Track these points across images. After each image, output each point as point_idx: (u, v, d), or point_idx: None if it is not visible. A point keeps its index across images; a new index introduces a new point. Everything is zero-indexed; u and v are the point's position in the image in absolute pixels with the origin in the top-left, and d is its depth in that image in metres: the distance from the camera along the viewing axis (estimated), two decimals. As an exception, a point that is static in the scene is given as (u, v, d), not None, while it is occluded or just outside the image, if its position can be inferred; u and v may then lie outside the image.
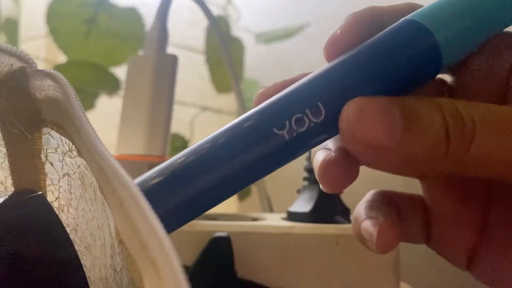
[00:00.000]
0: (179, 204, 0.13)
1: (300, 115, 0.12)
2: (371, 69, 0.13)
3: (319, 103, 0.12)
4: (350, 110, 0.12)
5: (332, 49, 0.14)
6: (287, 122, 0.13)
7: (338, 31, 0.14)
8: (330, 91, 0.13)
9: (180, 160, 0.13)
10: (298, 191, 0.28)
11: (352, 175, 0.14)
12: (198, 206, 0.13)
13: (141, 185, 0.13)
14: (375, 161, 0.12)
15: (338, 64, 0.13)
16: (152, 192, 0.13)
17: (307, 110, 0.12)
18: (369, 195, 0.16)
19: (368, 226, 0.15)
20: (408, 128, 0.11)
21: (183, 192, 0.13)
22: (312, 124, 0.12)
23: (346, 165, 0.14)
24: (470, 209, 0.15)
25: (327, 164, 0.14)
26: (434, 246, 0.16)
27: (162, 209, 0.13)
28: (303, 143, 0.13)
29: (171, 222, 0.13)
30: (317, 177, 0.14)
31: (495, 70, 0.13)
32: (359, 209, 0.16)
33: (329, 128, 0.13)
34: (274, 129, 0.13)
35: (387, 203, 0.15)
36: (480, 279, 0.15)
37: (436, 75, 0.13)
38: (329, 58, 0.14)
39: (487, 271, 0.15)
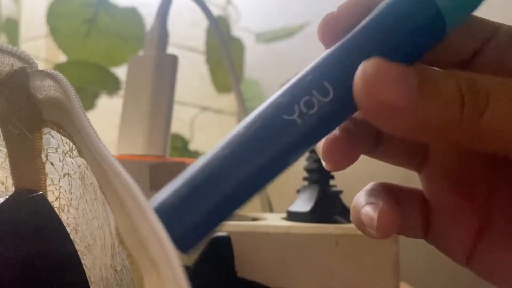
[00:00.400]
0: (207, 213, 0.12)
1: (307, 97, 0.12)
2: (375, 42, 0.13)
3: (325, 83, 0.12)
4: (367, 67, 0.11)
5: (328, 28, 0.14)
6: (295, 106, 0.12)
7: (335, 11, 0.14)
8: (335, 68, 0.13)
9: (199, 169, 0.12)
10: (298, 191, 0.28)
11: (354, 154, 0.14)
12: (225, 211, 0.12)
13: (167, 199, 0.12)
14: (386, 124, 0.12)
15: (340, 43, 0.13)
16: (181, 205, 0.12)
17: (314, 91, 0.12)
18: (368, 186, 0.16)
19: (368, 211, 0.15)
20: (424, 90, 0.11)
21: (209, 200, 0.12)
22: (322, 104, 0.12)
23: (349, 144, 0.14)
24: (471, 203, 0.15)
25: (331, 142, 0.14)
26: (433, 241, 0.16)
27: (191, 222, 0.12)
28: (317, 125, 0.13)
29: (201, 233, 0.12)
30: (320, 155, 0.14)
31: (505, 62, 0.14)
32: (359, 197, 0.16)
33: (340, 106, 0.13)
34: (284, 116, 0.12)
35: (387, 192, 0.15)
36: (480, 273, 0.15)
37: (442, 40, 0.13)
38: (324, 37, 0.14)
39: (487, 266, 0.15)
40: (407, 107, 0.11)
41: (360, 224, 0.15)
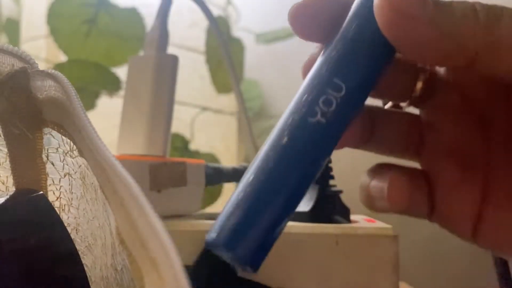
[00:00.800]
0: (267, 228, 0.13)
1: (324, 96, 0.13)
2: (365, 32, 0.13)
3: (335, 79, 0.13)
4: None
5: (297, 17, 0.14)
6: (316, 107, 0.13)
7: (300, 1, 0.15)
8: (339, 64, 0.13)
9: (247, 191, 0.13)
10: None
11: (365, 134, 0.15)
12: (280, 221, 0.13)
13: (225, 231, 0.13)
14: (405, 37, 0.12)
15: (337, 40, 0.14)
16: (243, 229, 0.13)
17: (328, 90, 0.13)
18: (371, 167, 0.17)
19: (377, 183, 0.15)
20: (439, 3, 0.12)
21: (267, 217, 0.13)
22: (339, 100, 0.13)
23: (360, 125, 0.15)
24: (472, 174, 0.15)
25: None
26: (438, 219, 0.16)
27: (256, 241, 0.13)
28: (340, 120, 0.13)
29: (267, 246, 0.13)
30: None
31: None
32: (364, 176, 0.16)
33: (354, 95, 0.13)
34: (309, 119, 0.13)
35: (391, 168, 0.16)
36: (487, 245, 0.15)
37: None
38: (295, 26, 0.15)
39: (493, 236, 0.15)
40: (423, 16, 0.12)
41: (370, 200, 0.16)
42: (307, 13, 0.14)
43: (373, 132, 0.16)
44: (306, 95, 0.13)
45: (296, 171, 0.13)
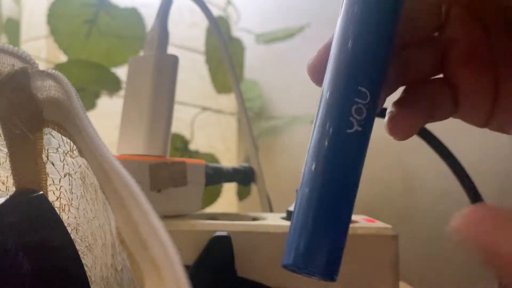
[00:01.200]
0: (335, 239, 0.14)
1: (355, 106, 0.14)
2: (368, 33, 0.14)
3: (359, 88, 0.14)
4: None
5: (315, 71, 0.17)
6: (351, 118, 0.14)
7: (314, 58, 0.17)
8: (359, 72, 0.14)
9: (307, 208, 0.14)
10: (298, 191, 0.28)
11: (412, 124, 0.17)
12: (344, 230, 0.14)
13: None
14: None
15: (345, 50, 0.15)
16: (314, 245, 0.14)
17: (356, 99, 0.14)
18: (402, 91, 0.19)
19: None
20: None
21: (332, 228, 0.14)
22: (367, 106, 0.14)
23: (404, 118, 0.17)
24: (484, 74, 0.18)
25: (391, 118, 0.17)
26: (459, 114, 0.18)
27: (329, 252, 0.14)
28: (371, 124, 0.15)
29: (339, 254, 0.14)
30: (387, 130, 0.17)
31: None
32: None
33: (377, 98, 0.15)
34: (348, 130, 0.14)
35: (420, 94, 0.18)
36: (497, 127, 0.18)
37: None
38: (316, 79, 0.17)
39: (503, 118, 0.18)
40: None
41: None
42: (318, 69, 0.17)
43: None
44: (334, 108, 0.14)
45: (348, 180, 0.14)
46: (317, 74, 0.17)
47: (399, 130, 0.17)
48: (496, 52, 0.18)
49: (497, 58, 0.18)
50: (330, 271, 0.14)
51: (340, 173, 0.14)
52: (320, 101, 0.15)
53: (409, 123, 0.17)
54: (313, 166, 0.14)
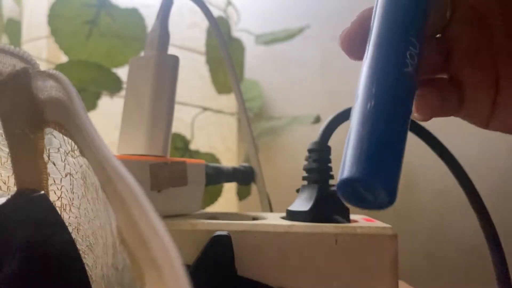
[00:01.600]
0: (396, 157, 0.15)
1: (408, 51, 0.16)
2: None
3: (411, 38, 0.17)
4: None
5: (348, 40, 0.19)
6: (406, 60, 0.16)
7: (349, 27, 0.19)
8: (409, 24, 0.17)
9: (369, 124, 0.15)
10: (298, 191, 0.28)
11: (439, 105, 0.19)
12: (402, 151, 0.15)
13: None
14: None
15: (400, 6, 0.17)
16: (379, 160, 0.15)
17: (410, 47, 0.16)
18: None
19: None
20: None
21: (393, 145, 0.15)
22: (416, 53, 0.17)
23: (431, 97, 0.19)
24: (486, 71, 0.19)
25: (418, 102, 0.19)
26: (464, 111, 0.20)
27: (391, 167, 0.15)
28: (418, 70, 0.17)
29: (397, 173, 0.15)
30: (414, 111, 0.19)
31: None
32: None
33: (421, 52, 0.17)
34: (405, 69, 0.16)
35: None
36: (499, 126, 0.20)
37: None
38: (347, 47, 0.19)
39: (503, 117, 0.19)
40: None
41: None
42: (352, 40, 0.19)
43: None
44: (395, 52, 0.16)
45: (406, 113, 0.16)
46: (351, 44, 0.19)
47: (428, 107, 0.19)
48: (497, 51, 0.19)
49: (498, 57, 0.19)
50: (393, 188, 0.14)
51: (398, 106, 0.16)
52: (370, 52, 0.17)
53: (434, 103, 0.19)
54: (370, 104, 0.16)
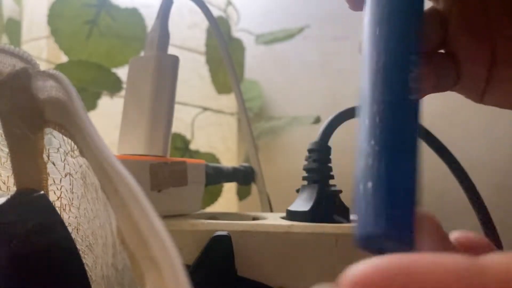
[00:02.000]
0: (411, 206, 0.14)
1: (411, 74, 0.14)
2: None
3: (412, 56, 0.15)
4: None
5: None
6: (410, 84, 0.14)
7: None
8: (404, 42, 0.15)
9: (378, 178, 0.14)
10: (298, 191, 0.28)
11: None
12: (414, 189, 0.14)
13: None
14: None
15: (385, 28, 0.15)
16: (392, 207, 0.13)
17: (411, 67, 0.14)
18: None
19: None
20: None
21: (405, 191, 0.14)
22: (418, 73, 0.14)
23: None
24: (482, 43, 0.19)
25: None
26: (460, 85, 0.19)
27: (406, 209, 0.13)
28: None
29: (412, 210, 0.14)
30: None
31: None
32: None
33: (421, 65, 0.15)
34: (409, 97, 0.14)
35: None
36: (492, 101, 0.19)
37: None
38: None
39: (497, 92, 0.19)
40: None
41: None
42: None
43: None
44: (393, 75, 0.14)
45: (413, 151, 0.14)
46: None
47: (424, 85, 0.18)
48: (493, 23, 0.19)
49: (494, 30, 0.19)
50: (413, 235, 0.13)
51: (405, 143, 0.14)
52: (367, 77, 0.15)
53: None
54: (373, 142, 0.14)
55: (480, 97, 0.20)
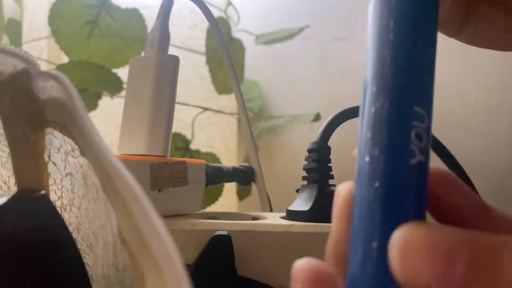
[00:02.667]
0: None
1: (413, 130, 0.12)
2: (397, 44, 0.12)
3: (415, 108, 0.12)
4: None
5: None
6: (412, 145, 0.12)
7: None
8: (408, 90, 0.12)
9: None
10: (297, 191, 0.28)
11: None
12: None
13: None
14: None
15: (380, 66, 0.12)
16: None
17: (413, 122, 0.12)
18: None
19: None
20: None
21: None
22: (425, 128, 0.12)
23: None
24: None
25: None
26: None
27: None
28: (429, 148, 0.12)
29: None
30: None
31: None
32: None
33: (431, 115, 0.12)
34: (411, 161, 0.12)
35: None
36: (467, 39, 0.19)
37: None
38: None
39: (473, 30, 0.18)
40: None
41: None
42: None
43: None
44: (390, 135, 0.12)
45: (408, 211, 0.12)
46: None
47: None
48: None
49: None
50: None
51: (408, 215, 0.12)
52: (362, 135, 0.13)
53: None
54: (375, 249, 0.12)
55: (455, 32, 0.19)
